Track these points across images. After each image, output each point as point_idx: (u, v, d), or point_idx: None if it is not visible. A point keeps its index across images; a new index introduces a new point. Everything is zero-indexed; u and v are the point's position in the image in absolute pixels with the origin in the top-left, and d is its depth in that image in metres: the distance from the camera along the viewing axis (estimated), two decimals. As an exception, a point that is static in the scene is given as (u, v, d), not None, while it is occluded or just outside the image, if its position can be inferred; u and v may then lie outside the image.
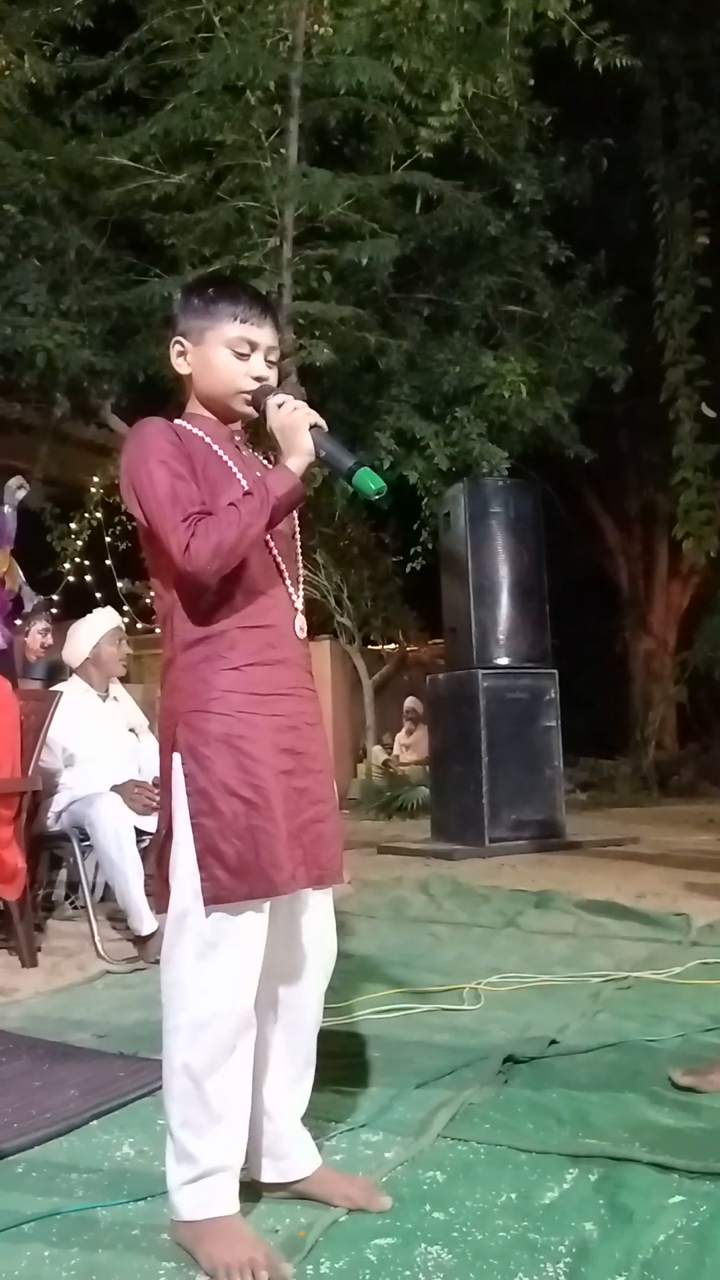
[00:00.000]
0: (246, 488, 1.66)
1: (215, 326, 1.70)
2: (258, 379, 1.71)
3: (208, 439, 1.71)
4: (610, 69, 6.62)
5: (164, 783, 1.66)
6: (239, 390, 1.71)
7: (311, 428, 1.65)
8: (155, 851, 1.69)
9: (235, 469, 1.69)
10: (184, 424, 1.73)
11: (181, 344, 1.73)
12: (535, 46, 6.80)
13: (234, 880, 1.55)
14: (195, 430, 1.71)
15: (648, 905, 4.35)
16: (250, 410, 1.74)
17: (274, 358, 1.75)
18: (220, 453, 1.70)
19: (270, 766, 1.61)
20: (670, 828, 7.72)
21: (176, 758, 1.62)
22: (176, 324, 1.75)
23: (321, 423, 1.67)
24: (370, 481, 1.63)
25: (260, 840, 1.58)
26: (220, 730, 1.60)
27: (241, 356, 1.70)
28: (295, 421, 1.65)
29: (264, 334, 1.72)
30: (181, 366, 1.74)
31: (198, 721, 1.61)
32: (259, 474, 1.70)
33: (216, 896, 1.55)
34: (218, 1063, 1.57)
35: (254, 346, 1.71)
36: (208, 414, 1.75)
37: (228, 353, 1.70)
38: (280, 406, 1.67)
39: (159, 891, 1.66)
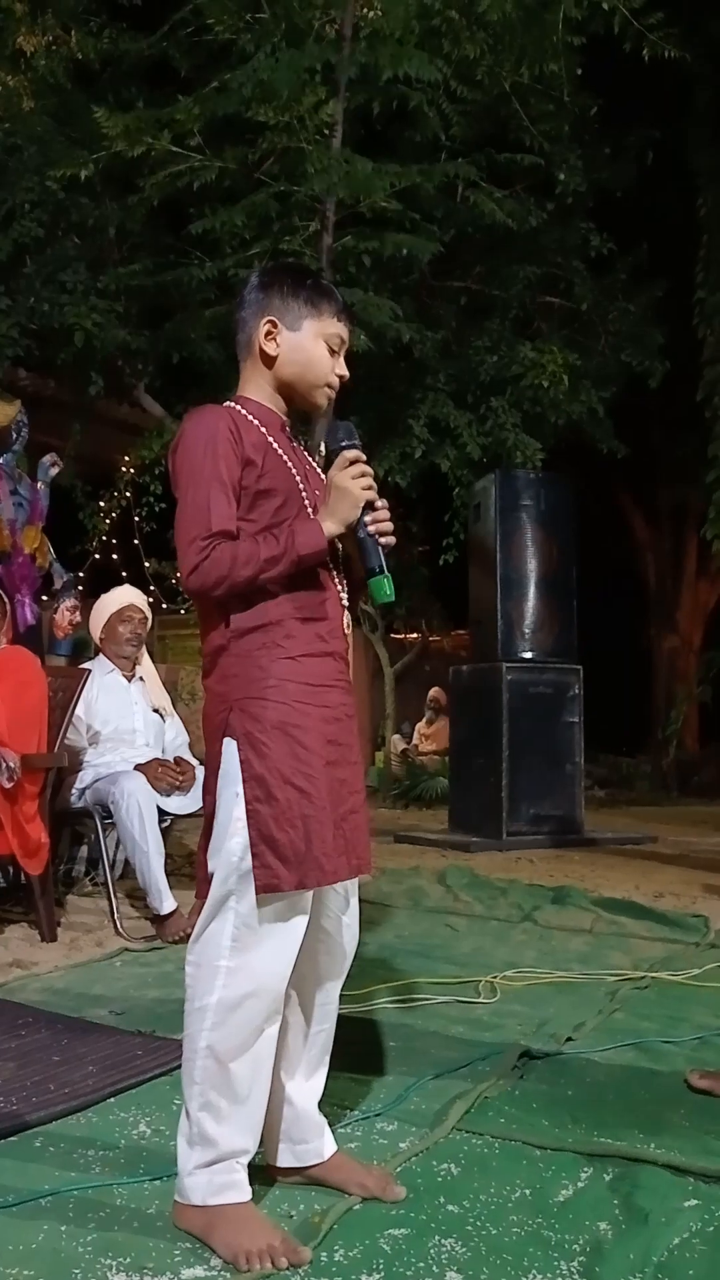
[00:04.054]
0: (300, 489, 1.69)
1: (317, 318, 1.72)
2: (340, 376, 1.75)
3: (263, 428, 1.71)
4: (659, 57, 6.53)
5: (211, 768, 1.67)
6: (326, 383, 1.74)
7: (368, 506, 1.67)
8: (201, 836, 1.69)
9: (289, 462, 1.71)
10: (239, 409, 1.72)
11: (274, 325, 1.72)
12: (584, 33, 6.73)
13: (286, 869, 1.56)
14: (252, 419, 1.71)
15: (666, 905, 4.33)
16: (321, 403, 1.76)
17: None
18: (275, 445, 1.71)
19: (320, 757, 1.63)
20: (690, 828, 7.69)
21: (230, 744, 1.63)
22: (268, 304, 1.73)
23: (379, 503, 1.68)
24: (386, 589, 1.67)
25: (312, 829, 1.59)
26: (277, 718, 1.61)
27: (332, 352, 1.74)
28: (356, 493, 1.66)
29: (348, 335, 1.77)
30: (270, 347, 1.73)
31: (254, 708, 1.61)
32: (299, 478, 1.71)
33: (269, 885, 1.56)
34: (245, 1044, 1.57)
35: (342, 344, 1.75)
36: (266, 398, 1.75)
37: (323, 346, 1.72)
38: (351, 464, 1.67)
39: (201, 875, 1.66)
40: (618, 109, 8.10)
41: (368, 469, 1.68)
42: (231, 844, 1.59)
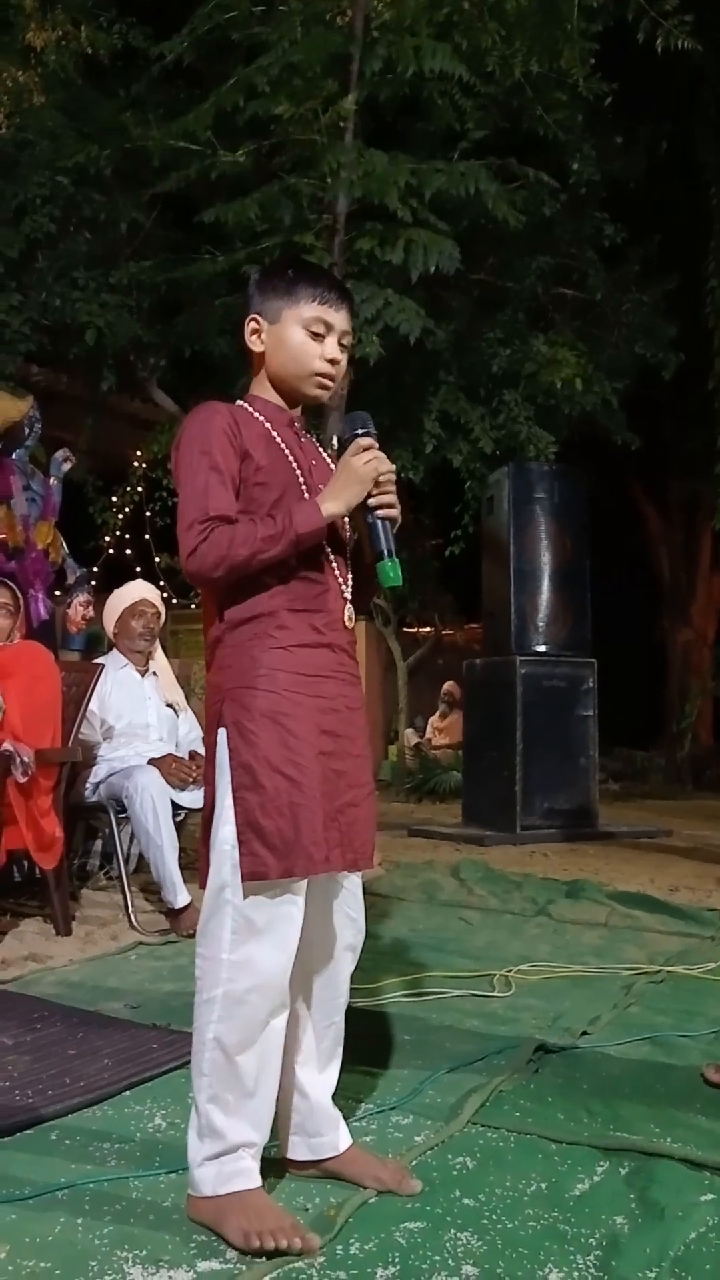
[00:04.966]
0: (300, 482, 1.67)
1: (293, 306, 1.69)
2: (331, 361, 1.71)
3: (268, 424, 1.70)
4: (670, 50, 6.48)
5: (208, 757, 1.67)
6: (312, 371, 1.71)
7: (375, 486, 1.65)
8: (201, 826, 1.69)
9: (291, 457, 1.70)
10: (245, 406, 1.73)
11: (257, 321, 1.72)
12: (596, 21, 6.68)
13: (273, 857, 1.56)
14: (256, 414, 1.71)
15: (681, 899, 4.32)
16: (319, 393, 1.74)
17: (347, 342, 1.74)
18: (278, 439, 1.70)
19: (312, 746, 1.62)
20: (703, 822, 7.66)
21: (221, 732, 1.63)
22: (253, 301, 1.74)
23: (383, 476, 1.66)
24: (391, 574, 1.66)
25: (300, 818, 1.58)
26: (266, 707, 1.60)
27: (316, 337, 1.70)
28: (362, 473, 1.64)
29: (340, 318, 1.71)
30: (255, 344, 1.73)
31: (244, 698, 1.61)
32: (300, 472, 1.69)
33: (254, 872, 1.56)
34: (251, 1037, 1.57)
35: (329, 328, 1.70)
36: (272, 396, 1.75)
37: (303, 333, 1.69)
38: (365, 450, 1.65)
39: (201, 867, 1.66)
40: (629, 100, 8.04)
41: (380, 454, 1.66)
42: (223, 833, 1.59)
